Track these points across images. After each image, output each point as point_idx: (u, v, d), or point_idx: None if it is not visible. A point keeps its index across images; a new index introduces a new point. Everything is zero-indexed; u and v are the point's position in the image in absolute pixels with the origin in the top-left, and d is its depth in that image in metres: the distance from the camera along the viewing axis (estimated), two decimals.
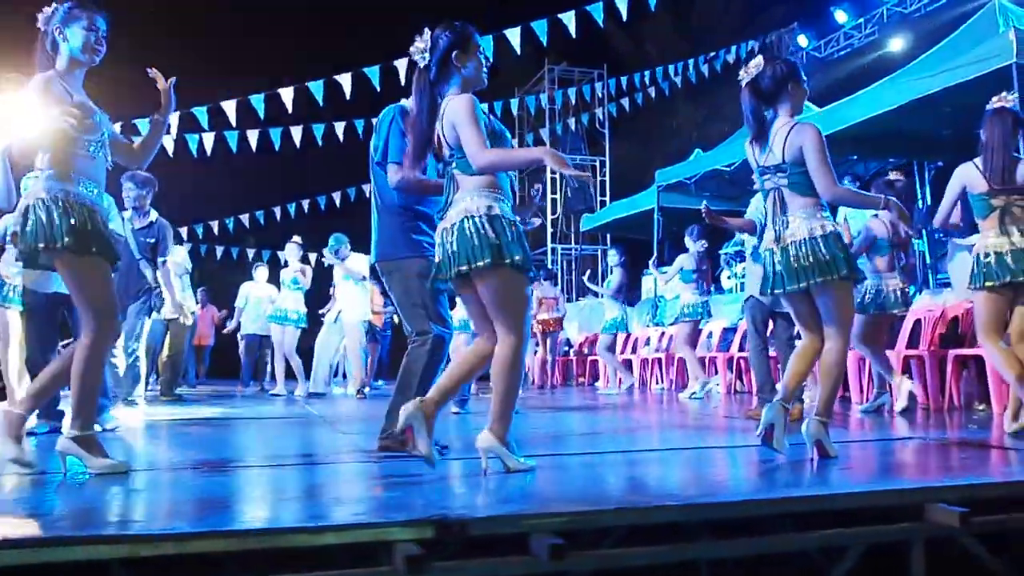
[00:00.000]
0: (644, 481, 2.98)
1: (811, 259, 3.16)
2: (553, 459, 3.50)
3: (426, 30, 2.96)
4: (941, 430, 4.54)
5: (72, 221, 2.85)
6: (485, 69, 3.01)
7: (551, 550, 2.00)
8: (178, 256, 7.92)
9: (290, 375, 9.19)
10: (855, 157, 10.42)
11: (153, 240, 6.07)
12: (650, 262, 9.60)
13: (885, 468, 3.25)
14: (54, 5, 2.99)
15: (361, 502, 2.49)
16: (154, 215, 6.17)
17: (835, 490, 2.62)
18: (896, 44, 13.49)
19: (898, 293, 5.56)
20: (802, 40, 15.49)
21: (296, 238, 9.20)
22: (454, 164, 2.91)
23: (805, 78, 3.35)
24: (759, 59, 3.35)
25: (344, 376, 10.06)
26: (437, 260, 2.93)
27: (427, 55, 2.94)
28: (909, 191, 5.97)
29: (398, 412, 3.40)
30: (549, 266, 15.78)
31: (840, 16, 14.86)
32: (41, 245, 2.84)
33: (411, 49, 2.98)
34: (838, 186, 3.18)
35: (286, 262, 9.34)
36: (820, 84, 14.08)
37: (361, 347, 8.56)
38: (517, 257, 2.76)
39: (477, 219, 2.79)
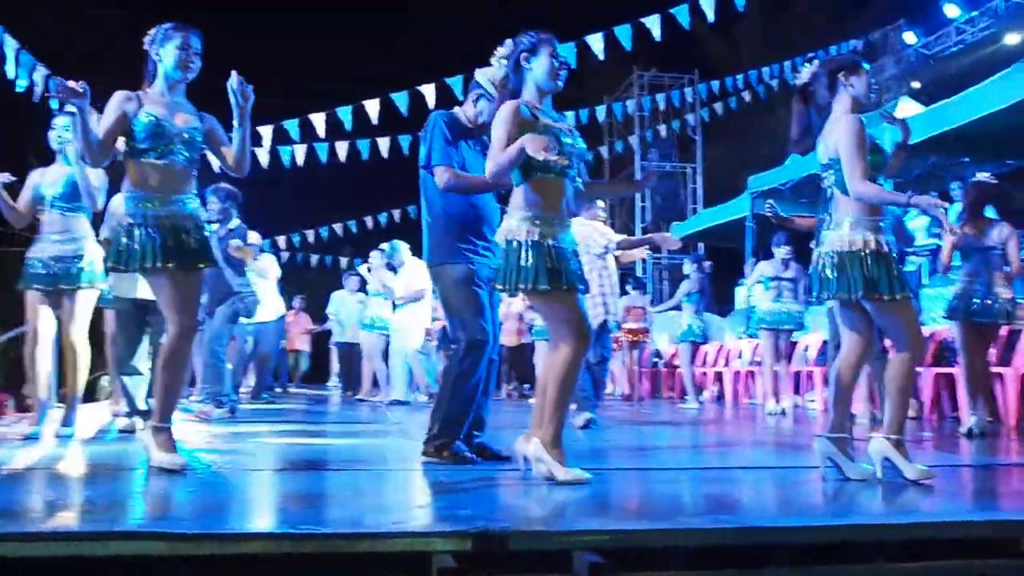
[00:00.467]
0: (716, 500, 2.80)
1: (833, 273, 2.96)
2: (622, 473, 3.36)
3: (509, 40, 3.02)
4: None
5: (142, 244, 3.05)
6: (562, 74, 3.00)
7: (590, 569, 1.88)
8: (265, 262, 8.13)
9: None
10: (967, 159, 9.76)
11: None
12: (752, 267, 9.13)
13: (983, 496, 2.95)
14: (156, 27, 3.19)
15: (406, 510, 2.42)
16: (235, 222, 6.36)
17: (922, 518, 2.38)
18: (1013, 38, 12.62)
19: (987, 302, 4.94)
20: (909, 37, 14.69)
21: (384, 246, 9.28)
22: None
23: (867, 68, 3.12)
24: (815, 64, 3.18)
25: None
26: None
27: (505, 60, 3.00)
28: (1004, 195, 5.33)
29: (437, 418, 3.44)
30: (639, 275, 15.47)
31: (951, 10, 14.01)
32: (122, 267, 3.13)
33: (492, 59, 3.06)
34: (863, 183, 2.90)
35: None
36: (929, 82, 13.33)
37: (422, 353, 8.51)
38: (542, 286, 2.79)
39: (509, 241, 2.87)
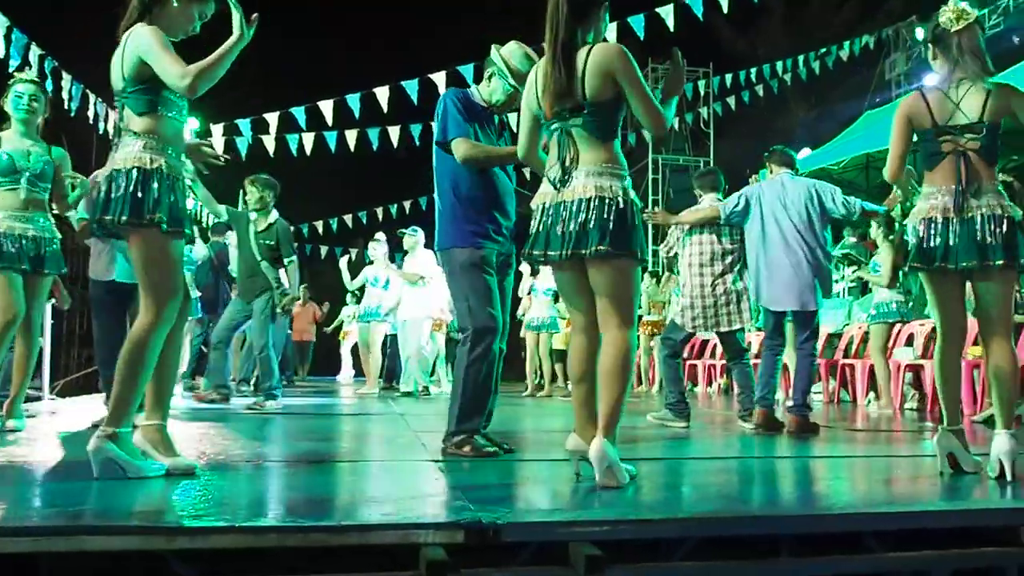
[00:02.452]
0: (717, 490, 2.75)
1: (999, 238, 2.79)
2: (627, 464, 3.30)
3: None
4: None
5: (142, 193, 2.53)
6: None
7: (588, 561, 1.84)
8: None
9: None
10: None
11: (272, 242, 6.09)
12: None
13: (983, 485, 2.88)
14: None
15: (398, 502, 2.37)
16: (274, 216, 6.20)
17: (921, 507, 2.34)
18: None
19: None
20: (921, 34, 14.57)
21: (379, 235, 9.19)
22: (581, 122, 2.59)
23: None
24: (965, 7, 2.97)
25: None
26: (535, 234, 2.66)
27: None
28: None
29: (452, 414, 3.36)
30: (649, 267, 15.40)
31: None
32: (108, 217, 2.56)
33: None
34: None
35: (371, 260, 9.25)
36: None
37: (420, 346, 8.43)
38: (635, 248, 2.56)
39: (606, 199, 2.55)
